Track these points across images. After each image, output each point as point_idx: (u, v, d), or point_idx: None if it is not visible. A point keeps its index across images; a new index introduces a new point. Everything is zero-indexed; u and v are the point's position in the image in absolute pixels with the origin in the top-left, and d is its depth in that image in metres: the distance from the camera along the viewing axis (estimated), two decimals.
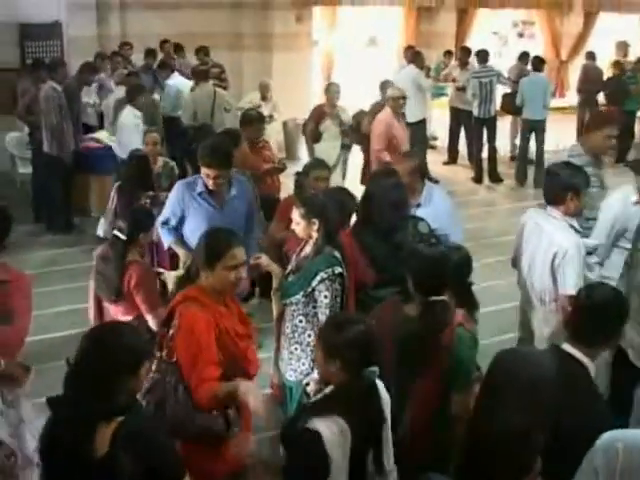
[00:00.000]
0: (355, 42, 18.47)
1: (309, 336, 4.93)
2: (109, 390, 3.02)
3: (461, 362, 4.18)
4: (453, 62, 15.11)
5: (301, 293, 4.86)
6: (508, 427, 3.05)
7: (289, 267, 5.09)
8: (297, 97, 14.88)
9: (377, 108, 10.27)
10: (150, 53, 12.93)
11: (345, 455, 3.34)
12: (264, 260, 5.21)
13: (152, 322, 5.12)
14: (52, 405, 3.11)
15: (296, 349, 4.99)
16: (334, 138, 10.24)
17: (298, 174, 6.63)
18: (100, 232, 7.43)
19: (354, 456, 3.38)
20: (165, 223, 6.07)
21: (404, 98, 9.56)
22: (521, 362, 3.74)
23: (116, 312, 5.34)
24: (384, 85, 10.91)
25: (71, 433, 3.01)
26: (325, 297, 4.80)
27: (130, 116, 9.35)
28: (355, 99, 13.46)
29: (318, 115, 10.33)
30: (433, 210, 5.79)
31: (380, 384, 3.61)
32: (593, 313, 3.60)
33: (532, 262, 5.36)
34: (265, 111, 12.55)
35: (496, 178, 13.75)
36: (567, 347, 3.61)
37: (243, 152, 7.46)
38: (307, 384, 4.72)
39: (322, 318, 4.79)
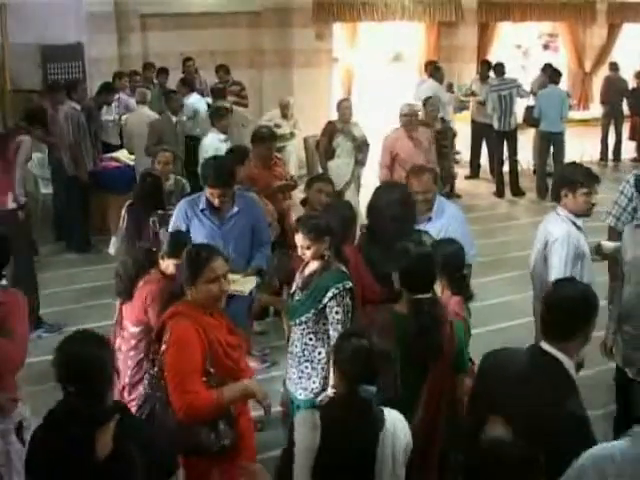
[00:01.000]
0: (379, 58, 18.49)
1: (319, 354, 4.92)
2: (99, 395, 3.17)
3: (460, 350, 4.46)
4: (474, 76, 15.07)
5: (312, 311, 4.85)
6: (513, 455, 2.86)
7: (294, 286, 5.08)
8: (317, 114, 14.85)
9: None
10: (162, 72, 13.00)
11: (310, 449, 3.45)
12: (263, 300, 5.55)
13: None
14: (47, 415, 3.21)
15: (307, 367, 4.96)
16: (348, 154, 10.19)
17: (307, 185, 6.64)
18: (112, 250, 7.43)
19: (326, 469, 3.44)
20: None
21: (415, 115, 9.49)
22: (501, 363, 3.77)
23: (127, 318, 5.30)
24: (339, 102, 10.88)
25: (69, 438, 3.07)
26: (337, 313, 4.79)
27: (215, 140, 9.38)
28: (377, 115, 13.51)
29: (330, 132, 10.30)
30: (445, 224, 5.78)
31: (394, 418, 3.59)
32: (560, 308, 3.61)
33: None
34: (286, 129, 12.63)
35: (518, 192, 13.66)
36: (543, 344, 3.62)
37: (251, 170, 7.48)
38: (321, 402, 4.70)
39: (334, 334, 4.77)
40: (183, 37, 14.08)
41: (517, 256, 9.92)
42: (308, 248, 4.89)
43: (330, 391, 4.49)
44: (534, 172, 14.58)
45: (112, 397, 3.40)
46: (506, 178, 13.64)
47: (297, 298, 4.99)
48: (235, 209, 6.06)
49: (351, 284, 4.84)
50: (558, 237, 5.28)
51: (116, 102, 11.98)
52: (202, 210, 6.02)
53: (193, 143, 10.47)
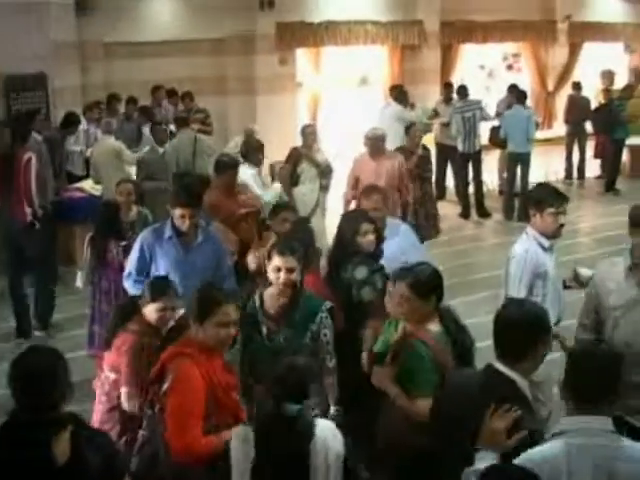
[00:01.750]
0: (344, 82, 18.56)
1: None
2: (51, 405, 3.24)
3: (411, 371, 4.32)
4: (438, 98, 15.15)
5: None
6: None
7: (263, 327, 4.78)
8: (283, 140, 14.90)
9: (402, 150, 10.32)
10: (130, 101, 13.01)
11: (243, 461, 3.69)
12: None
13: (124, 395, 4.98)
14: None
15: None
16: (312, 180, 10.19)
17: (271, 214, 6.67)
18: (79, 284, 7.42)
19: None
20: (130, 274, 6.04)
21: (380, 139, 9.46)
22: (456, 385, 3.83)
23: (105, 361, 5.23)
24: (304, 128, 10.93)
25: (26, 445, 3.14)
26: (325, 335, 4.81)
27: (248, 174, 9.36)
28: (343, 140, 13.57)
29: (295, 158, 10.29)
30: (399, 243, 5.89)
31: (325, 428, 3.73)
32: (508, 329, 3.65)
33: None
34: None
35: (484, 213, 13.74)
36: (497, 365, 3.65)
37: (214, 198, 7.48)
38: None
39: (327, 357, 4.82)
40: (147, 65, 14.09)
41: (486, 277, 10.02)
42: (291, 271, 4.74)
43: (333, 409, 4.78)
44: (500, 193, 14.74)
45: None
46: (472, 199, 13.72)
47: (281, 336, 4.77)
48: (200, 238, 6.01)
49: (330, 303, 4.89)
50: (515, 255, 5.35)
51: (84, 133, 11.98)
52: (168, 238, 5.93)
53: None
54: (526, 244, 5.37)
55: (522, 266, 5.27)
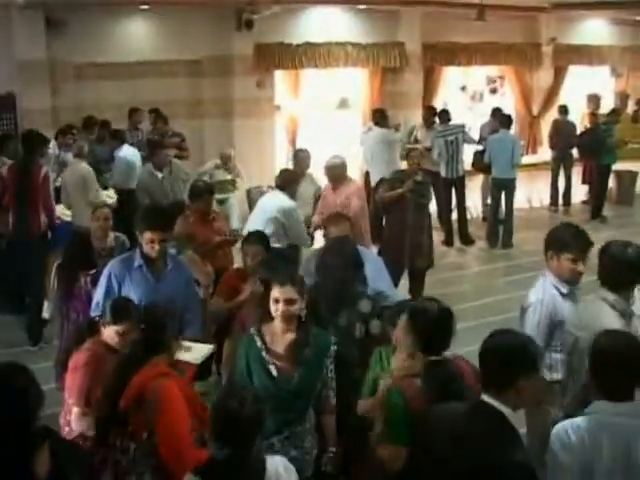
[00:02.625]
0: (323, 105, 18.61)
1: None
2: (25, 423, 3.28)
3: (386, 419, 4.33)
4: (419, 122, 15.16)
5: (319, 382, 4.76)
6: None
7: (272, 368, 4.66)
8: (261, 164, 14.97)
9: (397, 177, 10.27)
10: (103, 125, 12.95)
11: None
12: None
13: (74, 416, 4.90)
14: None
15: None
16: (306, 204, 9.97)
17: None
18: (46, 314, 7.34)
19: None
20: (98, 305, 5.94)
21: (339, 168, 9.29)
22: (439, 419, 3.79)
23: (66, 388, 5.17)
24: (296, 154, 10.82)
25: (7, 459, 3.18)
26: (331, 371, 4.82)
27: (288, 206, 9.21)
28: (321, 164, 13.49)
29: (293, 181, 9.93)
30: (368, 270, 5.82)
31: (276, 463, 3.76)
32: (492, 358, 3.68)
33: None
34: (228, 175, 12.63)
35: (467, 240, 13.74)
36: (483, 396, 3.66)
37: (189, 226, 7.45)
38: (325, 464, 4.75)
39: (331, 393, 4.81)
40: (120, 87, 14.06)
41: (472, 306, 10.06)
42: (291, 303, 4.65)
43: (331, 450, 4.78)
44: (483, 219, 14.77)
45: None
46: (455, 226, 13.72)
47: (296, 376, 4.66)
48: (170, 265, 6.05)
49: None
50: (531, 303, 5.22)
51: (55, 159, 11.89)
52: (138, 267, 5.93)
53: (126, 197, 10.43)
54: (540, 293, 5.21)
55: (537, 316, 5.14)
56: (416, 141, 14.41)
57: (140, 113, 13.51)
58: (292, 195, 8.85)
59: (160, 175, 10.46)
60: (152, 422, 4.08)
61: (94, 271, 6.74)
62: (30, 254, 9.09)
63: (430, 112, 14.58)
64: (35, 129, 10.52)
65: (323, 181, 10.05)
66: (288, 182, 8.90)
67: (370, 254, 6.53)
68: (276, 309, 4.65)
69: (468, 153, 14.21)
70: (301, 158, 10.40)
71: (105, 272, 6.05)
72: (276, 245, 7.95)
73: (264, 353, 4.66)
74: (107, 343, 5.04)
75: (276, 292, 4.65)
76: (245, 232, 8.84)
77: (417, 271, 10.06)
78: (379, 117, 13.60)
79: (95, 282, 6.54)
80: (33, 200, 9.20)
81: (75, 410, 4.89)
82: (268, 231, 7.84)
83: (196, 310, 6.17)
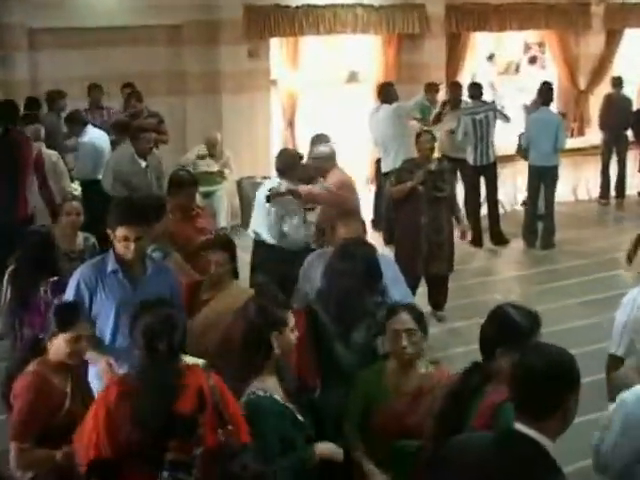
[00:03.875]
0: (328, 80, 18.69)
1: None
2: None
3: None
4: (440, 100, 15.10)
5: None
6: None
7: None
8: (254, 150, 15.03)
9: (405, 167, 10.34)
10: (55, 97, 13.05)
11: None
12: None
13: (12, 453, 4.87)
14: None
15: None
16: None
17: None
18: None
19: None
20: None
21: (318, 158, 9.30)
22: (458, 449, 3.84)
23: None
24: (314, 140, 10.82)
25: None
26: None
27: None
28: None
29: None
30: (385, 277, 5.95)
31: None
32: (526, 379, 3.65)
33: None
34: (213, 166, 12.73)
35: (499, 240, 13.77)
36: (518, 425, 3.64)
37: (169, 224, 7.53)
38: None
39: None
40: (84, 58, 14.00)
41: None
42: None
43: None
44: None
45: None
46: (485, 223, 13.78)
47: None
48: (150, 269, 6.04)
49: None
50: (624, 301, 5.51)
51: None
52: (112, 272, 5.91)
53: (94, 190, 10.52)
54: (637, 289, 5.51)
55: (625, 316, 5.43)
56: (438, 120, 14.41)
57: (100, 90, 13.54)
58: (294, 181, 8.88)
59: (144, 164, 10.55)
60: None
61: (56, 278, 6.80)
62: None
63: (455, 89, 14.67)
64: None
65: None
66: (290, 165, 8.92)
67: (384, 258, 6.62)
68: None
69: (510, 135, 14.15)
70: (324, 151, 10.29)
71: (73, 279, 6.00)
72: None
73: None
74: (54, 361, 5.07)
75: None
76: (251, 232, 9.00)
77: (436, 278, 10.14)
78: (385, 92, 13.63)
79: (57, 291, 6.61)
80: (17, 179, 9.36)
81: (13, 446, 4.88)
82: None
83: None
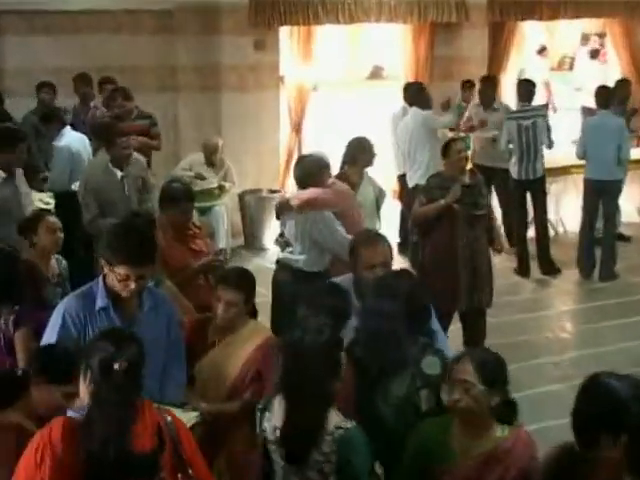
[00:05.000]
0: (348, 76, 18.77)
1: None
2: None
3: None
4: (475, 100, 15.24)
5: None
6: None
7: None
8: (259, 158, 15.07)
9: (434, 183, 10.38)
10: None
11: None
12: None
13: None
14: None
15: None
16: (371, 214, 10.07)
17: None
18: None
19: None
20: None
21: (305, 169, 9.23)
22: None
23: None
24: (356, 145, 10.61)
25: None
26: None
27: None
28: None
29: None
30: None
31: None
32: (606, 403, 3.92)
33: None
34: (213, 181, 12.80)
35: (550, 268, 13.70)
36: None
37: (161, 244, 7.58)
38: None
39: None
40: (59, 46, 14.05)
41: (556, 362, 10.29)
42: None
43: None
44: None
45: None
46: (532, 248, 13.73)
47: None
48: (147, 305, 5.94)
49: None
50: None
51: None
52: (102, 309, 5.80)
53: (69, 204, 10.62)
54: None
55: None
56: (471, 128, 14.46)
57: (90, 81, 13.66)
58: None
59: (119, 174, 10.44)
60: None
61: (19, 307, 6.79)
62: None
63: (489, 85, 14.71)
64: None
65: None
66: (313, 175, 8.94)
67: None
68: None
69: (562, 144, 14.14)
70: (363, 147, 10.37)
71: (57, 314, 5.86)
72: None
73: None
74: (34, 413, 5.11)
75: None
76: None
77: (472, 312, 10.09)
78: (414, 94, 13.69)
79: (20, 323, 6.61)
80: None
81: None
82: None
83: (181, 364, 6.16)
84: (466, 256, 9.84)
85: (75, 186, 11.15)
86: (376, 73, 20.25)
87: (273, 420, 5.04)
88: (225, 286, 6.38)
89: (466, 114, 14.91)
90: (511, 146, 13.43)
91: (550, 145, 13.69)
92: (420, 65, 17.08)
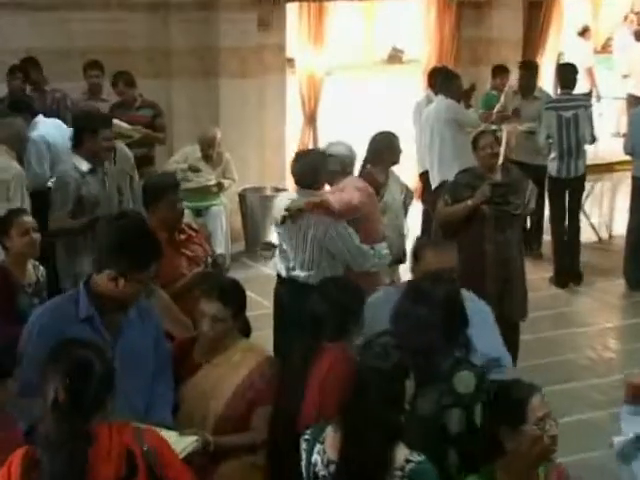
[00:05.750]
0: (363, 59, 18.77)
1: None
2: None
3: None
4: (508, 87, 15.22)
5: None
6: None
7: None
8: (262, 151, 15.08)
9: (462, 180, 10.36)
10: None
11: None
12: None
13: None
14: None
15: None
16: (396, 218, 10.22)
17: None
18: None
19: None
20: (28, 389, 5.50)
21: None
22: None
23: None
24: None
25: None
26: None
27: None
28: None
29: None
30: (482, 331, 6.05)
31: None
32: None
33: None
34: (210, 177, 12.78)
35: (573, 278, 13.71)
36: None
37: None
38: None
39: None
40: (36, 25, 14.04)
41: (599, 385, 10.27)
42: None
43: None
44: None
45: None
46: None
47: None
48: (132, 313, 5.92)
49: None
50: None
51: None
52: (85, 319, 5.75)
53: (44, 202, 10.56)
54: None
55: None
56: (503, 114, 14.47)
57: (38, 65, 13.49)
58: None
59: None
60: None
61: None
62: None
63: (528, 70, 14.67)
64: None
65: None
66: (313, 173, 8.95)
67: (480, 305, 6.70)
68: None
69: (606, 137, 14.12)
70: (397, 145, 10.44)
71: (28, 332, 5.82)
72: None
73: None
74: None
75: None
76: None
77: (503, 326, 10.00)
78: (442, 81, 13.62)
79: None
80: None
81: None
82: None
83: (170, 381, 6.16)
84: (496, 262, 9.75)
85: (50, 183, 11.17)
86: (394, 57, 20.23)
87: (328, 452, 5.02)
88: (208, 299, 6.28)
89: (501, 102, 14.86)
90: (550, 140, 13.39)
91: (593, 140, 13.67)
92: (444, 48, 17.08)
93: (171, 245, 8.07)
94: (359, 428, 4.86)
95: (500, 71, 15.15)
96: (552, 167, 13.48)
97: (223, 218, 13.29)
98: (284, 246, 9.02)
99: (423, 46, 17.41)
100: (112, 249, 5.70)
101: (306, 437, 5.18)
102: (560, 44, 18.72)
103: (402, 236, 10.38)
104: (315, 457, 5.07)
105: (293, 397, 6.04)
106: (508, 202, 9.78)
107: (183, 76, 15.25)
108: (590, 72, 21.51)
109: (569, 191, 13.58)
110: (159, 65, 15.18)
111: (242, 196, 14.41)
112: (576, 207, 13.75)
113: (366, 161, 10.17)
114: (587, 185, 14.04)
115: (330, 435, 5.02)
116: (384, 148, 10.09)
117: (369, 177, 9.75)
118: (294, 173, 9.08)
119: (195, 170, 12.84)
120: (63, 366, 4.56)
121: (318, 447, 5.07)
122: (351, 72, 17.50)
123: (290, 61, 16.32)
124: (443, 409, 5.37)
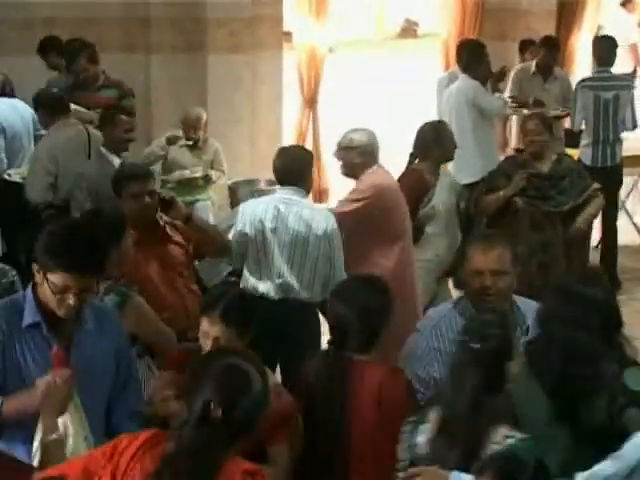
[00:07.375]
0: (371, 34, 18.86)
1: None
2: None
3: None
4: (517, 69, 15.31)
5: None
6: None
7: None
8: (255, 138, 15.13)
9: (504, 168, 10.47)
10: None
11: None
12: None
13: None
14: None
15: None
16: (448, 227, 10.16)
17: None
18: None
19: None
20: None
21: (348, 149, 9.45)
22: None
23: None
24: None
25: None
26: None
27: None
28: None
29: (418, 192, 9.97)
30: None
31: None
32: None
33: None
34: (196, 169, 12.85)
35: (613, 281, 13.39)
36: None
37: (131, 249, 7.61)
38: None
39: None
40: None
41: None
42: None
43: None
44: None
45: None
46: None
47: None
48: (89, 321, 5.88)
49: None
50: None
51: None
52: (31, 326, 5.74)
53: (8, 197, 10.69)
54: None
55: None
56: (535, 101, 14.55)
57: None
58: (308, 193, 9.07)
59: (117, 162, 10.43)
60: None
61: None
62: None
63: (554, 49, 14.86)
64: None
65: None
66: (301, 172, 8.99)
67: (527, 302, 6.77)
68: None
69: None
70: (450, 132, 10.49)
71: None
72: None
73: None
74: None
75: None
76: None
77: None
78: (471, 57, 13.60)
79: None
80: None
81: None
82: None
83: (136, 397, 6.19)
84: (530, 266, 9.77)
85: (14, 172, 11.24)
86: (407, 30, 20.31)
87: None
88: (210, 318, 6.25)
89: (509, 86, 15.10)
90: (583, 126, 13.43)
91: (635, 126, 13.69)
92: (465, 20, 17.12)
93: (151, 243, 8.17)
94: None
95: (530, 47, 15.20)
96: (585, 155, 13.38)
97: (210, 215, 13.34)
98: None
99: (441, 18, 17.52)
100: (40, 243, 5.63)
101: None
102: (599, 16, 18.76)
103: (451, 250, 10.03)
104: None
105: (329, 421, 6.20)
106: (547, 197, 9.84)
107: (164, 51, 15.23)
108: (634, 49, 21.61)
109: (603, 183, 13.51)
110: (136, 38, 15.18)
111: (232, 190, 14.40)
112: (612, 202, 13.51)
113: (412, 156, 10.11)
114: (630, 179, 14.09)
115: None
116: (431, 142, 9.89)
117: (414, 175, 9.84)
118: (276, 170, 9.01)
119: (172, 143, 12.79)
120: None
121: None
122: (357, 48, 17.55)
123: (287, 35, 16.35)
124: (619, 412, 5.31)
